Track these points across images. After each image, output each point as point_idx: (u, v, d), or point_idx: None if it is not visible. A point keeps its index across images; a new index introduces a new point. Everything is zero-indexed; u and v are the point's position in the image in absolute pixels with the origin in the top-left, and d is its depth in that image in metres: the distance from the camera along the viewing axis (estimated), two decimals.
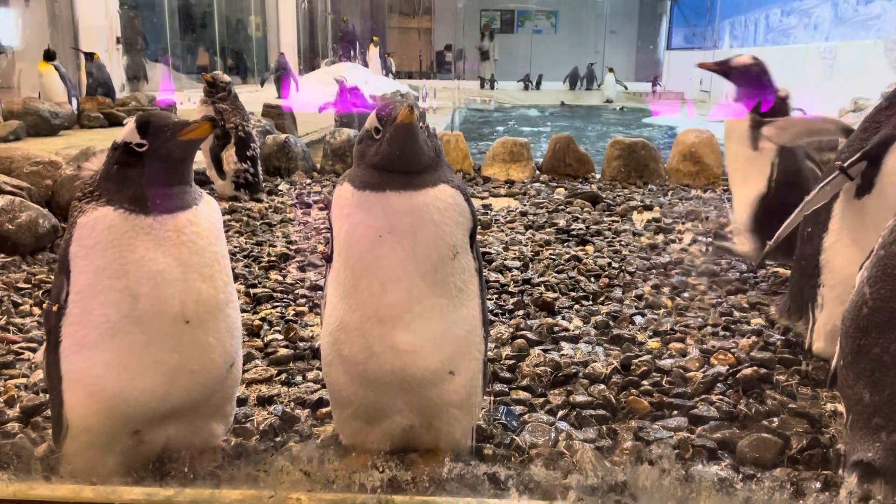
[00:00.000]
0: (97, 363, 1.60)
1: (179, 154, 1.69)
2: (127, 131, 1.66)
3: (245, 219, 4.70)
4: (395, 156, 1.65)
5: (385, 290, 1.65)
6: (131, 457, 1.70)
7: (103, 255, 1.58)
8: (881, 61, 10.06)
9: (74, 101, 8.83)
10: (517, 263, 3.69)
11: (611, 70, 19.11)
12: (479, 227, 4.40)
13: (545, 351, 2.59)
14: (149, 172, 1.64)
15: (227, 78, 5.43)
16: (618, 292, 3.29)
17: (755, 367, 2.39)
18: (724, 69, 3.75)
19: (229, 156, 5.21)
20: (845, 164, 2.25)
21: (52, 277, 2.61)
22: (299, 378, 2.41)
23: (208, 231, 1.69)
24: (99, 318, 1.59)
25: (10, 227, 3.66)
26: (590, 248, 4.04)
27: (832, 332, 2.39)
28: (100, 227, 1.58)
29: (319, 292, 2.86)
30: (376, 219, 1.63)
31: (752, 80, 3.67)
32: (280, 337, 2.73)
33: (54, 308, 1.62)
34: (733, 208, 3.74)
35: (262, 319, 2.91)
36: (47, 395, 1.97)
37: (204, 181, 5.35)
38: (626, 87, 19.09)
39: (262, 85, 14.27)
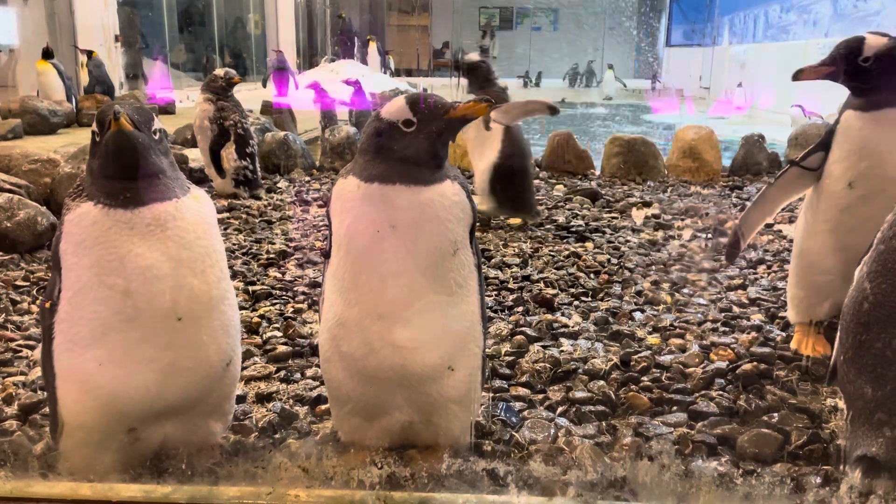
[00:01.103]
0: (89, 360, 1.58)
1: (115, 146, 1.59)
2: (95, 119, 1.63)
3: (244, 216, 4.69)
4: (429, 151, 1.65)
5: (385, 286, 1.64)
6: (128, 454, 1.69)
7: (91, 252, 1.56)
8: None
9: (73, 100, 8.81)
10: (516, 260, 3.69)
11: (610, 67, 19.09)
12: (478, 223, 4.40)
13: (544, 347, 2.59)
14: (109, 164, 1.60)
15: (232, 71, 5.41)
16: (617, 288, 3.29)
17: (755, 363, 2.39)
18: (460, 68, 4.60)
19: (228, 153, 5.20)
20: (799, 158, 2.56)
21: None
22: (298, 375, 2.40)
23: (195, 225, 1.65)
24: (90, 315, 1.57)
25: (9, 224, 3.66)
26: (589, 245, 4.03)
27: (793, 299, 2.69)
28: (84, 223, 1.57)
29: (318, 289, 2.85)
30: (381, 212, 1.62)
31: (478, 75, 4.54)
32: (279, 334, 2.72)
33: (47, 305, 1.61)
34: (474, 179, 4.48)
35: (261, 317, 2.90)
36: (45, 393, 1.97)
37: (202, 179, 5.35)
38: (624, 85, 19.08)
39: (264, 85, 14.26)
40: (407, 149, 1.65)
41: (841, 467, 1.76)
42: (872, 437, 1.63)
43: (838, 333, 1.78)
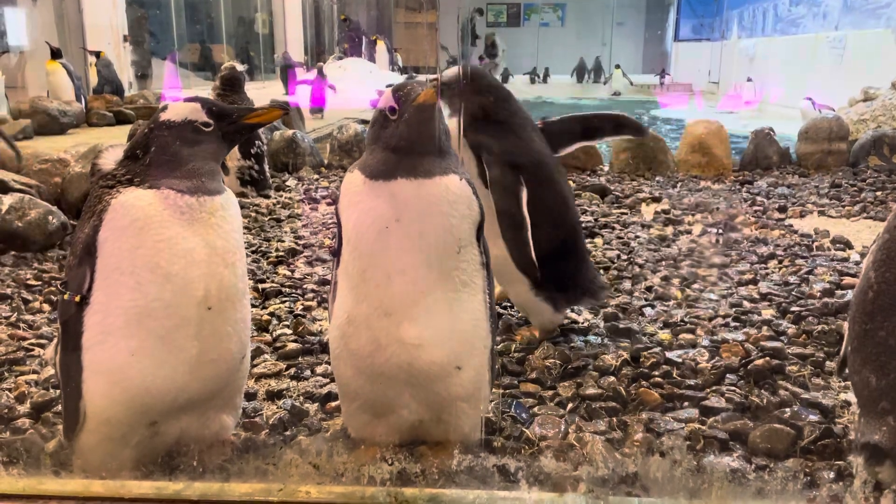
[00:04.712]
0: (121, 351, 1.59)
1: (240, 137, 1.80)
2: (189, 110, 1.70)
3: (253, 215, 4.70)
4: (413, 138, 1.64)
5: (391, 281, 1.64)
6: (144, 450, 1.70)
7: (138, 235, 1.58)
8: (891, 50, 9.97)
9: (83, 100, 8.83)
10: None
11: (617, 67, 19.07)
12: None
13: (554, 343, 2.58)
14: (204, 153, 1.70)
15: (241, 67, 5.41)
16: (627, 284, 3.27)
17: (766, 358, 2.37)
18: None
19: (232, 152, 5.20)
20: None
21: (63, 274, 2.60)
22: (308, 372, 2.41)
23: (234, 218, 1.72)
24: (127, 303, 1.58)
25: (20, 224, 3.68)
26: (598, 241, 4.02)
27: None
28: (139, 204, 1.59)
29: (327, 287, 2.86)
30: (385, 207, 1.62)
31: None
32: (289, 331, 2.73)
33: (76, 299, 1.60)
34: None
35: (271, 314, 2.91)
36: (58, 391, 1.97)
37: None
38: (631, 83, 19.00)
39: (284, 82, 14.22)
40: (399, 138, 1.65)
41: (850, 458, 1.75)
42: (877, 425, 1.63)
43: (847, 323, 1.77)
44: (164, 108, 1.72)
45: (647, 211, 4.79)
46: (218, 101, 1.84)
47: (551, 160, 2.65)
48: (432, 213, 1.63)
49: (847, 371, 1.77)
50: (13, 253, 3.63)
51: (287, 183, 5.76)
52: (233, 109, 1.77)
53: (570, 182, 5.67)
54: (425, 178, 1.63)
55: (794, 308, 2.89)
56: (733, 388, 2.24)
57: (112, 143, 1.84)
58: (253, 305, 2.97)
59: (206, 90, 5.59)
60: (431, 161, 1.66)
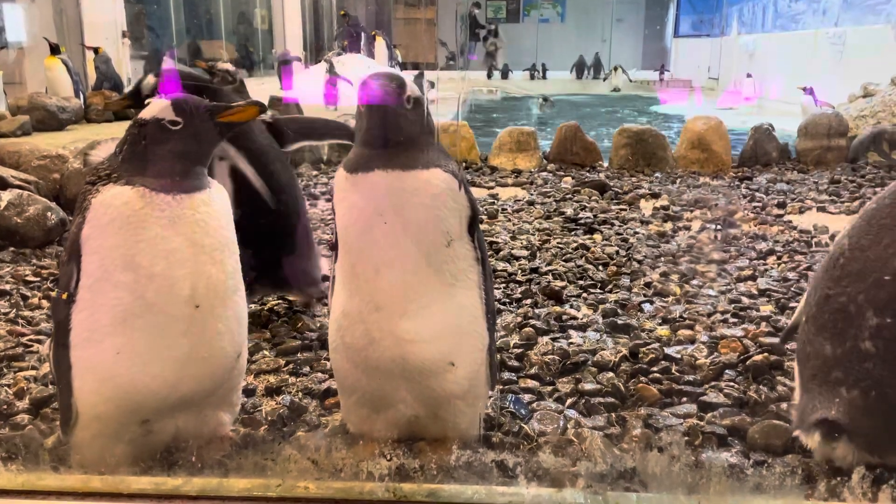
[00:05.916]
0: (108, 349, 1.59)
1: (214, 136, 1.73)
2: (159, 108, 1.66)
3: None
4: (370, 130, 1.66)
5: (379, 275, 1.64)
6: (140, 446, 1.70)
7: (118, 233, 1.57)
8: (891, 46, 9.96)
9: (81, 96, 8.82)
10: (525, 253, 3.68)
11: (616, 69, 19.08)
12: (485, 216, 4.38)
13: (553, 339, 2.58)
14: (176, 152, 1.66)
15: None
16: (626, 280, 3.27)
17: (765, 354, 2.37)
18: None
19: None
20: None
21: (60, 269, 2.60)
22: (307, 368, 2.41)
23: (219, 214, 1.70)
24: (112, 302, 1.58)
25: (19, 220, 3.68)
26: (598, 237, 4.02)
27: None
28: (116, 202, 1.58)
29: (326, 283, 2.86)
30: (368, 201, 1.63)
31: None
32: (288, 328, 2.73)
33: (63, 296, 1.60)
34: None
35: (270, 310, 2.91)
36: (56, 387, 1.97)
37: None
38: (630, 80, 19.00)
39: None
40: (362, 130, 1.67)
41: (797, 433, 1.77)
42: (829, 398, 1.62)
43: (805, 295, 1.80)
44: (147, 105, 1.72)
45: (646, 207, 4.79)
46: (198, 98, 1.76)
47: (271, 150, 2.77)
48: (415, 206, 1.62)
49: (797, 340, 1.78)
50: (12, 249, 3.64)
51: None
52: (206, 107, 1.71)
53: (569, 178, 5.67)
54: (404, 171, 1.63)
55: (792, 304, 2.89)
56: (732, 383, 2.25)
57: (110, 138, 1.83)
58: (252, 302, 2.97)
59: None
60: (414, 154, 1.65)
